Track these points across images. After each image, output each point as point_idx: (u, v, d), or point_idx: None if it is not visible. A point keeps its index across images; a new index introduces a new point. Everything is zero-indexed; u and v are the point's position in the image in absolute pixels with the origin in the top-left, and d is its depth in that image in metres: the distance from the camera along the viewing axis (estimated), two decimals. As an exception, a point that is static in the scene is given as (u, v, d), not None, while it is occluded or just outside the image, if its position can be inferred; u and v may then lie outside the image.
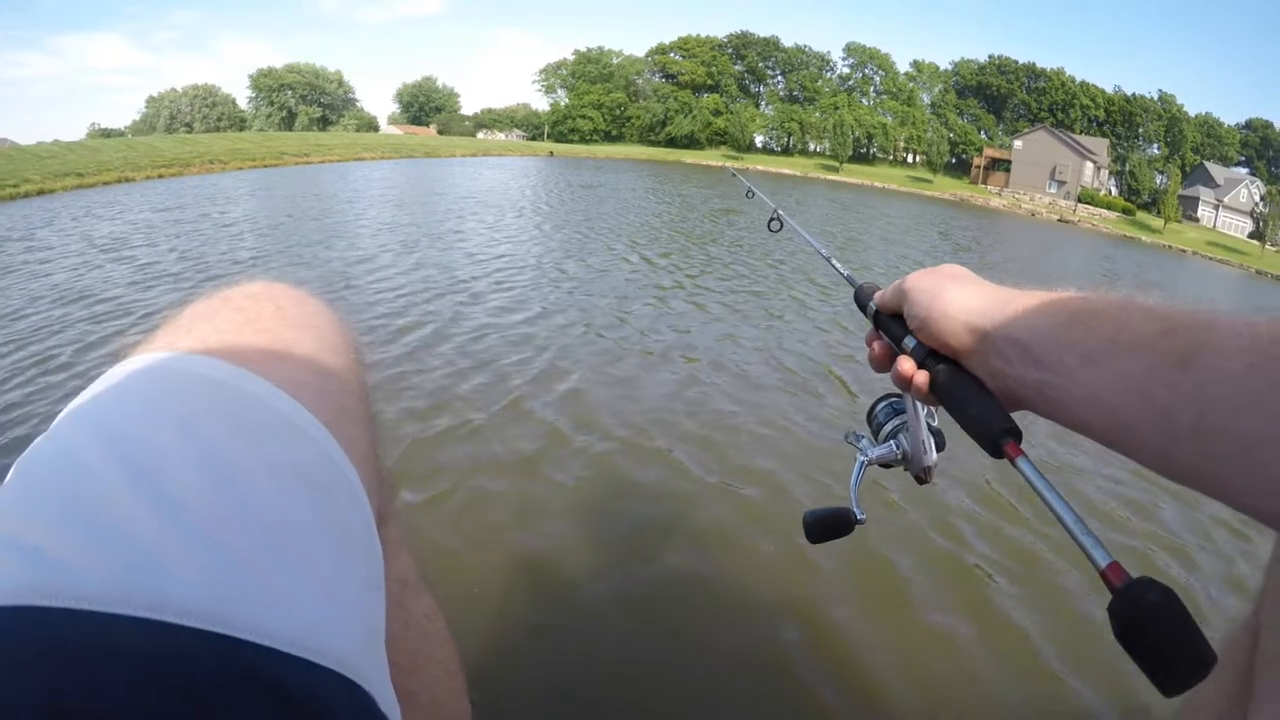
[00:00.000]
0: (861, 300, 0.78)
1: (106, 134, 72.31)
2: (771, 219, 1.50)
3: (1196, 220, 59.20)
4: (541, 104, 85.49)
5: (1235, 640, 0.71)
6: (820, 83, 73.19)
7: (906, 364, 0.66)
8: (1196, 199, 60.14)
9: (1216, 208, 59.51)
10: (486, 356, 4.18)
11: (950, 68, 74.95)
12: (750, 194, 1.83)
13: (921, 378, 0.65)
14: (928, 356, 0.65)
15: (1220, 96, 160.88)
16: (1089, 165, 57.59)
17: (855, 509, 0.68)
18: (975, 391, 0.59)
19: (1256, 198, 58.76)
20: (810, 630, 1.94)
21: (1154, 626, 0.39)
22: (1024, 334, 0.56)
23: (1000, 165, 61.44)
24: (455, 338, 4.52)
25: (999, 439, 0.56)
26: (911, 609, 2.14)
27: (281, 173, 16.01)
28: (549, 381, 3.84)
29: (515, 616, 1.87)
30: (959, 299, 0.62)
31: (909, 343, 0.67)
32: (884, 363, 0.72)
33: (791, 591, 2.11)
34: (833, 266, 0.97)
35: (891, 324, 0.70)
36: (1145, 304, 0.52)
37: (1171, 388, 0.45)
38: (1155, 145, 69.82)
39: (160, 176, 13.34)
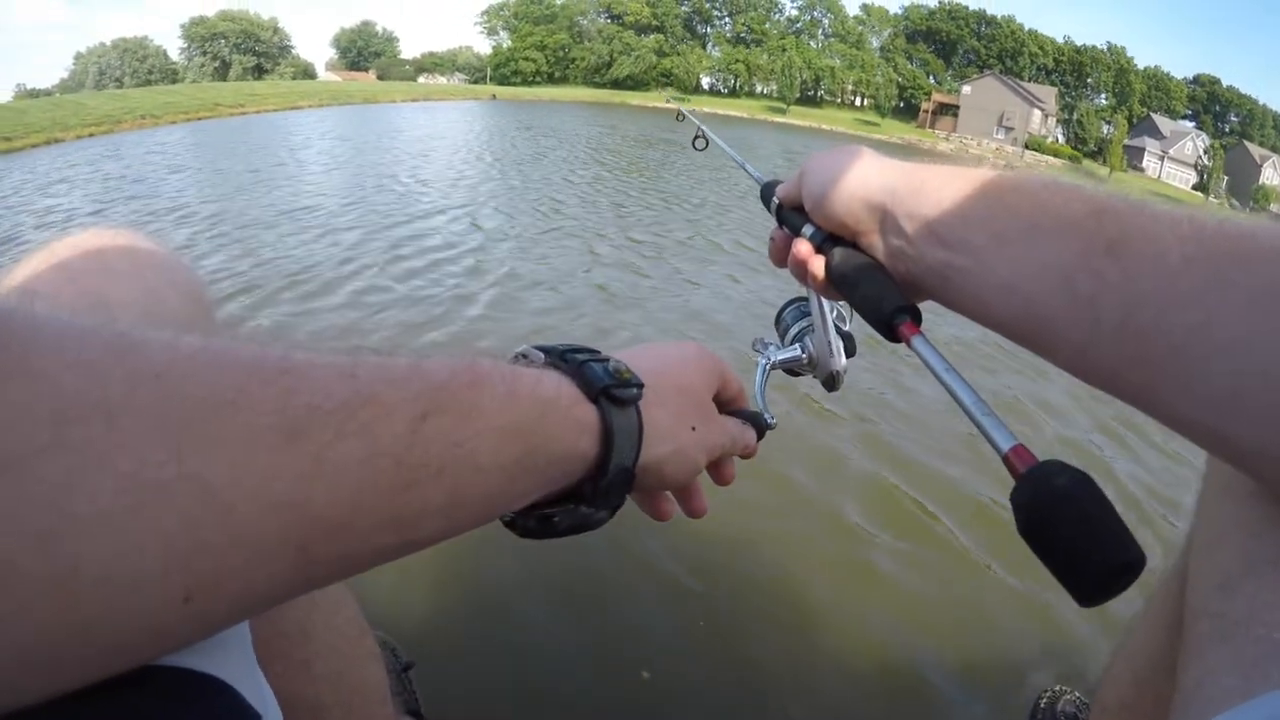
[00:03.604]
0: (766, 196, 0.73)
1: (34, 94, 68.15)
2: (696, 137, 1.47)
3: (1141, 170, 59.06)
4: (484, 46, 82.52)
5: (1165, 588, 0.73)
6: (768, 24, 71.26)
7: (802, 247, 0.60)
8: (1142, 150, 60.04)
9: (1162, 159, 59.41)
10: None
11: (900, 12, 73.81)
12: (680, 117, 1.90)
13: (818, 263, 0.59)
14: (825, 241, 0.59)
15: (1169, 51, 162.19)
16: (1036, 113, 56.88)
17: (765, 413, 0.62)
18: (870, 271, 0.54)
19: (1201, 151, 58.94)
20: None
21: (1062, 515, 0.32)
22: (928, 209, 0.50)
23: (948, 110, 60.48)
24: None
25: (893, 318, 0.50)
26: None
27: (216, 125, 15.43)
28: None
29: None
30: (857, 175, 0.56)
31: (807, 229, 0.61)
32: (783, 254, 0.65)
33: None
34: (746, 171, 0.94)
35: (792, 215, 0.64)
36: (1072, 185, 0.45)
37: (1097, 276, 0.40)
38: (1103, 95, 69.57)
39: (91, 135, 12.45)
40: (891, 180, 0.54)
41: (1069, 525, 0.32)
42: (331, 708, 0.63)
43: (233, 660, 0.34)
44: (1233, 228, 0.37)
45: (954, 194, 0.49)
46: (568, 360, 0.43)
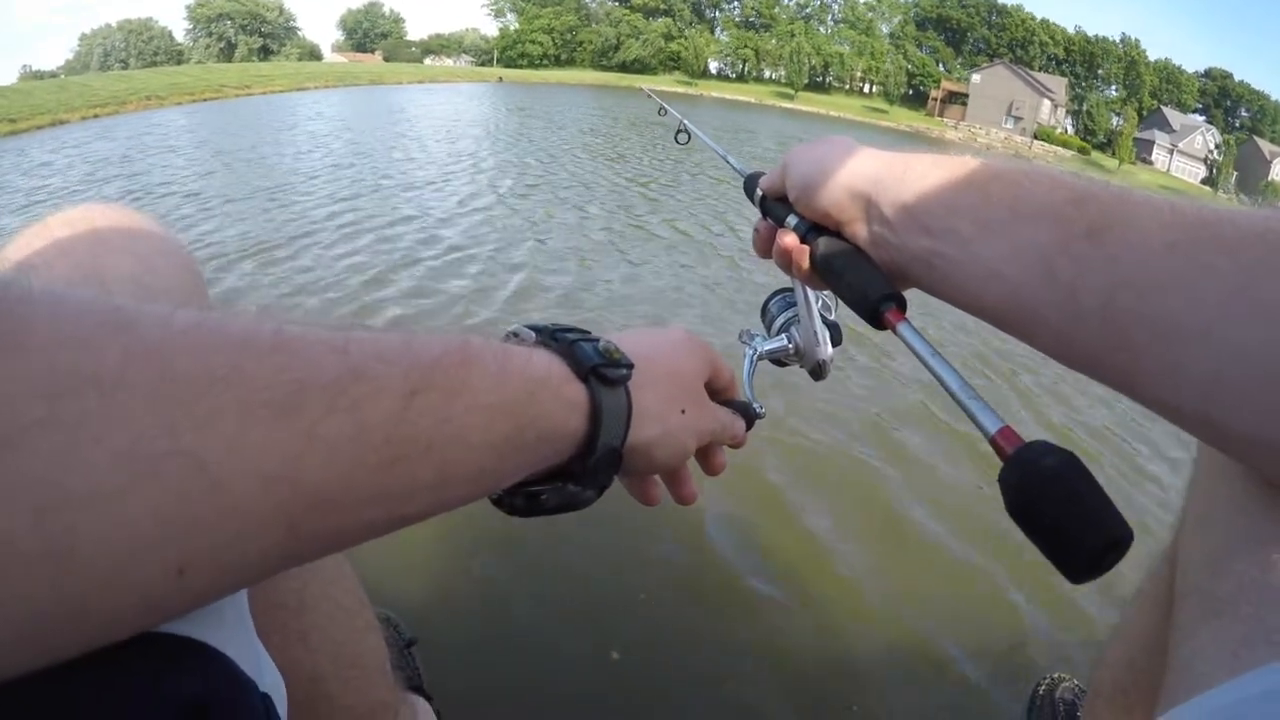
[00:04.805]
0: (750, 188, 0.73)
1: (39, 76, 68.20)
2: (679, 131, 1.42)
3: (1150, 163, 58.74)
4: (491, 28, 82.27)
5: (1156, 571, 0.75)
6: (777, 9, 70.83)
7: (788, 238, 0.61)
8: (1152, 142, 59.73)
9: (1171, 152, 59.11)
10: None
11: (911, -1, 72.93)
12: (662, 111, 1.76)
13: (802, 253, 0.60)
14: (809, 231, 0.60)
15: (1182, 43, 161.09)
16: (1046, 103, 56.58)
17: (754, 403, 0.62)
18: (855, 259, 0.55)
19: (1211, 145, 58.65)
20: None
21: (1050, 495, 0.33)
22: (911, 198, 0.50)
23: (957, 99, 60.18)
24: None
25: (878, 305, 0.51)
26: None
27: (222, 106, 15.31)
28: None
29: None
30: (841, 165, 0.56)
31: (791, 220, 0.62)
32: (767, 245, 0.65)
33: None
34: (728, 163, 0.94)
35: (776, 206, 0.64)
36: (1054, 172, 0.46)
37: (1078, 262, 0.40)
38: (1114, 87, 69.13)
39: (96, 116, 12.39)
40: (875, 169, 0.54)
41: (1057, 504, 0.33)
42: (329, 678, 0.64)
43: (227, 628, 0.34)
44: (1210, 214, 0.38)
45: (937, 182, 0.49)
46: (558, 339, 0.44)
